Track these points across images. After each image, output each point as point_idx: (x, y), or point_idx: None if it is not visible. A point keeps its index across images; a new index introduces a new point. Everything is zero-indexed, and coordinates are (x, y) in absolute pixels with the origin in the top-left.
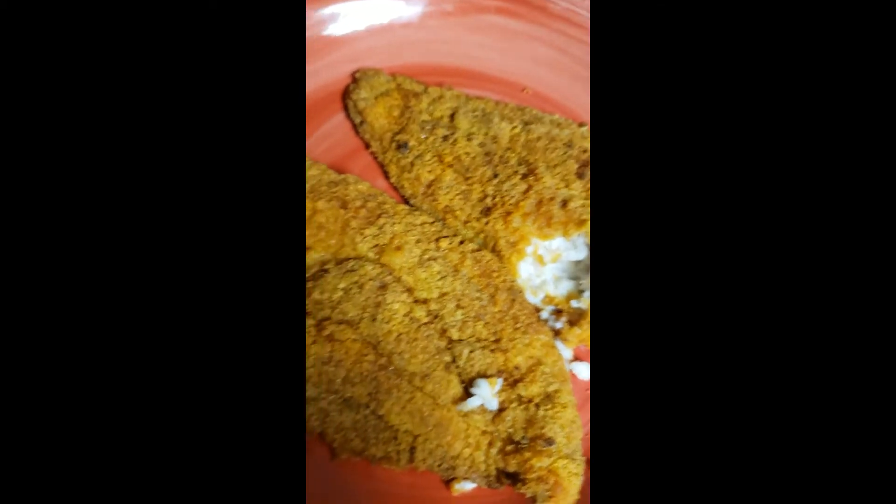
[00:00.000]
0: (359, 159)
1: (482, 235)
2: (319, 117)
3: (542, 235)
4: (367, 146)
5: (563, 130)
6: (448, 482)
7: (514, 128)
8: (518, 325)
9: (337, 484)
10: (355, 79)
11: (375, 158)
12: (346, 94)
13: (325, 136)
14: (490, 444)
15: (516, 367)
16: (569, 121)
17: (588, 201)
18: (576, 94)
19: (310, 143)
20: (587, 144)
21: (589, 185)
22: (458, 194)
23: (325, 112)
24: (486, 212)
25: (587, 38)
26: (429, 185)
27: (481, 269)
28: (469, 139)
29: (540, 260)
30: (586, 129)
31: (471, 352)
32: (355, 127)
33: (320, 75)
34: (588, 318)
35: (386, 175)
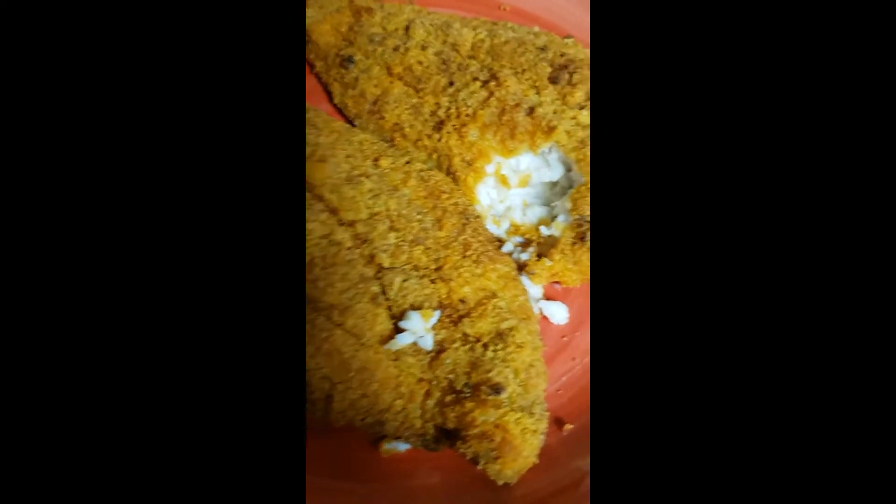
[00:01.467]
0: None
1: (435, 156)
2: None
3: (506, 151)
4: (312, 67)
5: (540, 38)
6: (376, 441)
7: (478, 34)
8: (469, 253)
9: None
10: None
11: (319, 80)
12: None
13: None
14: (427, 395)
15: (462, 301)
16: (549, 32)
17: (559, 108)
18: (561, 6)
19: None
20: (569, 51)
21: (568, 92)
22: (407, 109)
23: None
24: (439, 126)
25: None
26: (375, 102)
27: (428, 189)
28: (423, 48)
29: (504, 182)
30: (571, 41)
31: (404, 280)
32: None
33: None
34: (562, 248)
35: (330, 98)
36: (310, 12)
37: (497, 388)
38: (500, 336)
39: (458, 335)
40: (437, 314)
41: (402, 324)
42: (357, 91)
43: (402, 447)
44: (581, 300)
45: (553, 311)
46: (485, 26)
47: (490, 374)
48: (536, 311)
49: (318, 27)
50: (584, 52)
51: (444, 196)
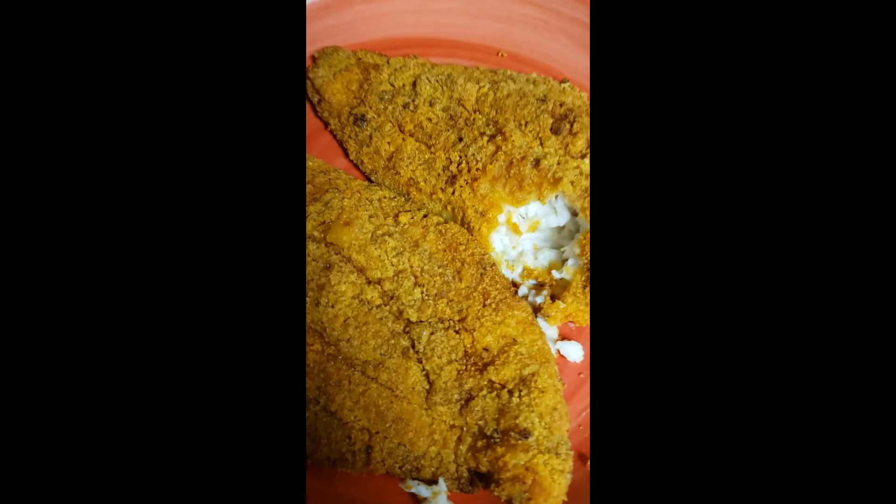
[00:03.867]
0: (318, 140)
1: (450, 207)
2: None
3: (515, 201)
4: (326, 125)
5: (539, 86)
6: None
7: (482, 88)
8: (488, 302)
9: None
10: (314, 58)
11: (335, 137)
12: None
13: None
14: (459, 441)
15: (485, 349)
16: (546, 78)
17: (563, 158)
18: (556, 50)
19: None
20: (566, 98)
21: (569, 141)
22: (420, 164)
23: None
24: (452, 180)
25: None
26: (389, 158)
27: (446, 242)
28: (431, 105)
29: (515, 229)
30: (567, 85)
31: (431, 334)
32: (314, 108)
33: None
34: (574, 290)
35: (346, 153)
36: (320, 72)
37: (525, 434)
38: (524, 382)
39: (485, 382)
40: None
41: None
42: (372, 148)
43: (425, 492)
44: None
45: (569, 350)
46: (486, 78)
47: (518, 420)
48: (554, 352)
49: (330, 86)
50: (580, 98)
51: (462, 247)
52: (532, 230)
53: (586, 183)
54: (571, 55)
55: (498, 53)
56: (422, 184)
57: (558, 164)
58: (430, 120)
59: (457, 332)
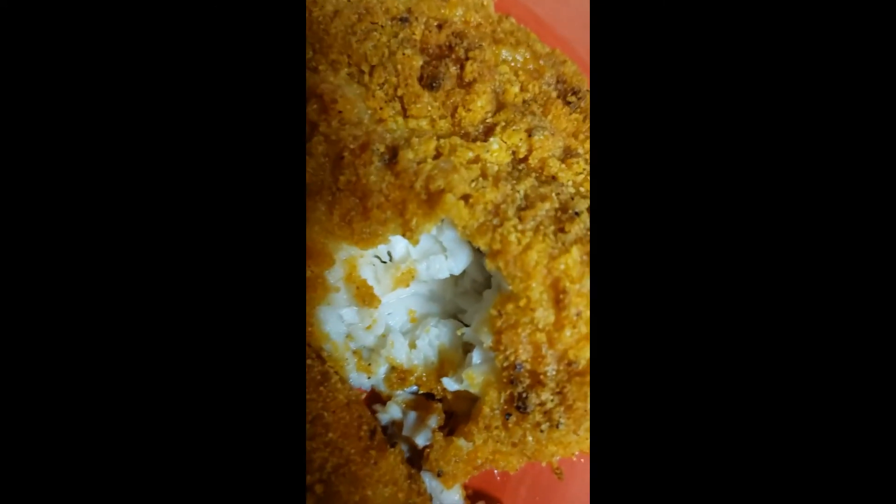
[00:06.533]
0: None
1: None
2: None
3: (357, 237)
4: None
5: (395, 3)
6: None
7: None
8: (319, 463)
9: None
10: None
11: None
12: None
13: None
14: None
15: None
16: None
17: (448, 141)
18: None
19: None
20: (451, 14)
21: (457, 103)
22: None
23: None
24: None
25: None
26: None
27: None
28: None
29: (364, 295)
30: None
31: None
32: None
33: None
34: (486, 419)
35: None
36: None
37: None
38: None
39: None
40: None
41: None
42: None
43: None
44: (528, 483)
45: None
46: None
47: None
48: None
49: None
50: (485, 10)
51: None
52: (403, 284)
53: (492, 196)
54: None
55: None
56: None
57: (437, 153)
58: None
59: None
